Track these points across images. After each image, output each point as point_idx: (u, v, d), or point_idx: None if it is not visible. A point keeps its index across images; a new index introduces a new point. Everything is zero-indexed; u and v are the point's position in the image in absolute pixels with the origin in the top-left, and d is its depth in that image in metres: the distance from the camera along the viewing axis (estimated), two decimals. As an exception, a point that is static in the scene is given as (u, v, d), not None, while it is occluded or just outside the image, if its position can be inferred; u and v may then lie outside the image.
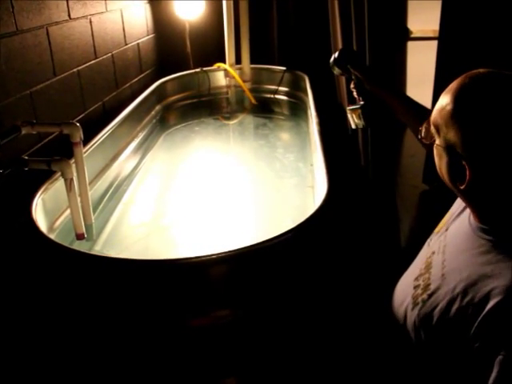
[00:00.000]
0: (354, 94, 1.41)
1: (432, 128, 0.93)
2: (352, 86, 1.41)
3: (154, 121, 2.95)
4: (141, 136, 2.65)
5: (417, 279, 1.01)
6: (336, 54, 1.40)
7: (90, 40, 2.30)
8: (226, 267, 1.25)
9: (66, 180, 1.53)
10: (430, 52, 2.37)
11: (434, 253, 1.02)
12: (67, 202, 1.59)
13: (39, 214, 1.50)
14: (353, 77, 1.39)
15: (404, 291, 1.06)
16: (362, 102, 1.39)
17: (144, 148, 2.63)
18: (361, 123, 1.41)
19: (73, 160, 1.64)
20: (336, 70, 1.43)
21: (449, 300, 0.85)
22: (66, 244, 1.32)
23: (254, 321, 1.27)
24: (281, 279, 1.30)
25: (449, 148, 0.87)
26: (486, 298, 0.79)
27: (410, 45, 3.22)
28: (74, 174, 1.58)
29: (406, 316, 1.00)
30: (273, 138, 2.84)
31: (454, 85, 0.87)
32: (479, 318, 0.79)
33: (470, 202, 0.91)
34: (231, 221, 1.97)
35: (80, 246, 1.67)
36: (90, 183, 1.95)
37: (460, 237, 0.96)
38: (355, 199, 1.89)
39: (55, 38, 1.97)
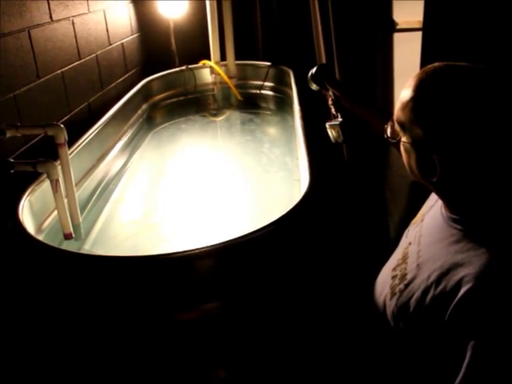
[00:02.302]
0: (333, 110, 1.40)
1: (396, 126, 0.93)
2: (330, 102, 1.40)
3: (141, 120, 2.96)
4: (128, 135, 2.67)
5: (394, 269, 1.04)
6: (313, 70, 1.38)
7: (73, 41, 2.32)
8: (211, 261, 1.28)
9: (51, 181, 1.55)
10: (417, 43, 2.40)
11: (410, 243, 1.04)
12: (54, 203, 1.61)
13: (26, 215, 1.52)
14: (330, 93, 1.38)
15: (383, 282, 1.09)
16: (340, 119, 1.38)
17: (131, 147, 2.65)
18: (340, 138, 1.42)
19: (59, 161, 1.66)
20: (313, 86, 1.42)
21: (424, 289, 0.88)
22: (53, 244, 1.33)
23: (242, 313, 1.30)
24: (266, 271, 1.33)
25: (416, 144, 0.88)
26: (458, 285, 0.81)
27: (397, 36, 3.26)
28: (60, 174, 1.59)
29: (385, 306, 1.02)
30: (259, 133, 2.87)
31: (412, 81, 0.88)
32: (451, 306, 0.81)
33: (441, 194, 0.93)
34: (220, 216, 2.00)
35: (68, 246, 1.69)
36: (77, 183, 1.98)
37: (434, 227, 0.98)
38: (340, 191, 1.92)
39: (37, 40, 1.98)
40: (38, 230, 1.62)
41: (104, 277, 1.26)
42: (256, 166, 2.43)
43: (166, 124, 3.09)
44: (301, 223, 1.39)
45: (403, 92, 0.90)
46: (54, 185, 1.56)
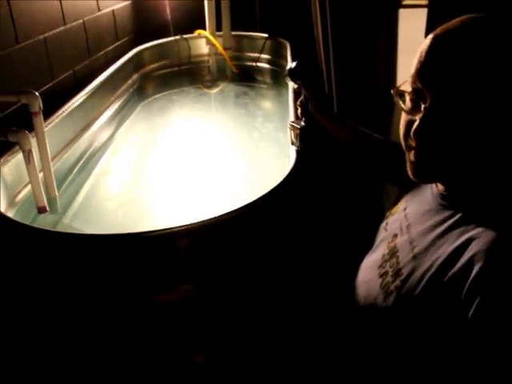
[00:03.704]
0: (299, 111, 1.31)
1: (413, 95, 0.81)
2: (298, 103, 1.30)
3: (131, 90, 2.86)
4: (116, 106, 2.58)
5: (382, 266, 0.94)
6: (293, 65, 1.27)
7: (57, 5, 2.20)
8: (189, 240, 1.21)
9: (23, 152, 1.47)
10: (422, 20, 2.29)
11: (396, 235, 0.95)
12: (28, 175, 1.54)
13: (-3, 187, 1.45)
14: (302, 94, 1.28)
15: (368, 282, 0.98)
16: (303, 123, 1.29)
17: (119, 119, 2.56)
18: (297, 144, 1.33)
19: (33, 133, 1.58)
20: (289, 81, 1.32)
21: (428, 280, 0.79)
22: (21, 220, 1.26)
23: (221, 295, 1.24)
24: (249, 251, 1.26)
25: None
26: (469, 266, 0.72)
27: (402, 12, 3.13)
28: (34, 145, 1.51)
29: (375, 307, 0.92)
30: (253, 107, 2.77)
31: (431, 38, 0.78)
32: (465, 289, 0.72)
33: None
34: (207, 192, 1.92)
35: (44, 220, 1.63)
36: (57, 154, 1.90)
37: (424, 213, 0.90)
38: (332, 168, 1.83)
39: (17, 2, 1.87)
40: (11, 203, 1.55)
41: (75, 256, 1.19)
42: (248, 141, 2.34)
43: (158, 95, 2.99)
44: (285, 201, 1.32)
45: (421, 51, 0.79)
46: (27, 155, 1.48)
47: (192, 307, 1.24)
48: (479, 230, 0.75)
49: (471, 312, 0.70)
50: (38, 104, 1.55)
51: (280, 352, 1.32)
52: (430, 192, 0.91)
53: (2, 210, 1.46)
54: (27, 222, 1.59)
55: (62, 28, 2.25)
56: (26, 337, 1.27)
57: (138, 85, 2.96)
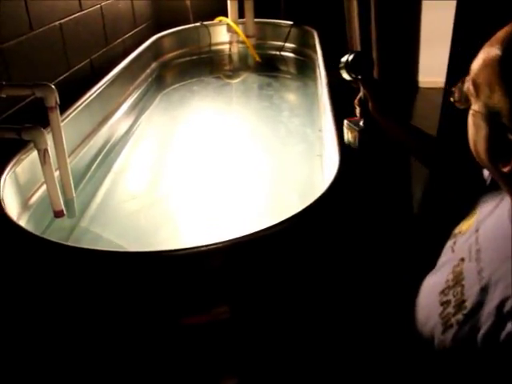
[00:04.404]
0: (357, 111, 1.15)
1: (470, 88, 0.72)
2: (356, 101, 1.14)
3: (150, 79, 2.73)
4: (134, 97, 2.45)
5: (444, 293, 0.82)
6: (350, 57, 1.11)
7: (73, -11, 2.06)
8: (221, 259, 1.07)
9: (39, 151, 1.35)
10: (446, 10, 2.13)
11: (463, 260, 0.82)
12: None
13: (10, 189, 1.33)
14: (361, 91, 1.12)
15: (428, 306, 0.88)
16: (362, 124, 1.13)
17: (138, 110, 2.42)
18: (355, 145, 1.18)
19: (49, 129, 1.45)
20: (344, 75, 1.16)
21: (494, 323, 0.67)
22: (36, 232, 1.14)
23: (254, 317, 1.11)
24: (285, 270, 1.13)
25: (491, 116, 0.68)
26: None
27: (425, 3, 2.97)
28: (50, 143, 1.39)
29: (433, 337, 0.82)
30: (278, 99, 2.61)
31: (502, 33, 0.67)
32: None
33: None
34: (232, 193, 1.79)
35: (61, 224, 1.51)
36: (74, 150, 1.78)
37: (499, 239, 0.76)
38: (369, 172, 1.68)
39: (31, -14, 1.73)
40: (25, 206, 1.43)
41: (99, 274, 1.07)
42: (273, 138, 2.19)
43: (177, 85, 2.84)
44: (326, 216, 1.18)
45: (487, 46, 0.68)
46: (42, 155, 1.35)
47: (224, 329, 1.12)
48: None
49: None
50: (54, 98, 1.41)
51: (312, 376, 1.20)
52: (508, 215, 0.77)
53: (15, 214, 1.35)
54: (42, 227, 1.48)
55: (78, 14, 2.10)
56: (46, 362, 1.15)
57: (156, 74, 2.82)
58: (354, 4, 1.97)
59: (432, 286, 0.91)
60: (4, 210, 1.17)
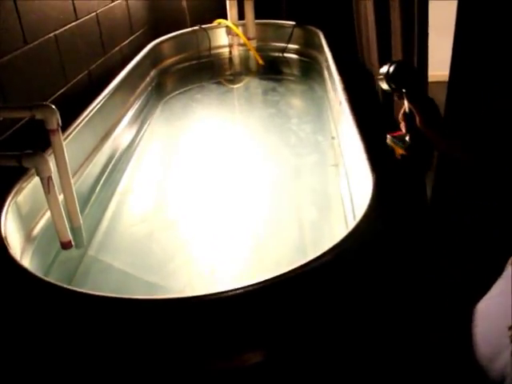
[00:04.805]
0: (402, 126, 1.04)
1: None
2: (401, 116, 1.03)
3: (149, 88, 2.60)
4: (135, 108, 2.32)
5: None
6: (391, 68, 1.00)
7: (68, -3, 1.94)
8: (252, 302, 0.96)
9: (42, 179, 1.22)
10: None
11: None
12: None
13: (12, 223, 1.21)
14: (405, 105, 1.01)
15: (494, 340, 0.79)
16: (408, 141, 1.01)
17: (139, 122, 2.31)
18: (402, 160, 1.06)
19: (51, 150, 1.33)
20: (384, 86, 1.04)
21: None
22: (42, 276, 1.02)
23: (290, 364, 0.99)
24: (319, 311, 1.02)
25: None
26: None
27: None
28: (53, 169, 1.26)
29: (503, 377, 0.73)
30: (284, 105, 2.50)
31: None
32: None
33: None
34: (247, 211, 1.68)
35: (68, 254, 1.38)
36: (76, 171, 1.66)
37: None
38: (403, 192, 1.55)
39: (23, -4, 1.61)
40: (29, 238, 1.31)
41: (122, 320, 0.95)
42: (285, 147, 2.08)
43: (177, 92, 2.72)
44: (366, 246, 1.06)
45: None
46: (46, 184, 1.23)
47: (258, 376, 1.01)
48: None
49: None
50: (55, 120, 1.29)
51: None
52: None
53: (19, 249, 1.24)
54: (49, 259, 1.37)
55: (74, 23, 1.98)
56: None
57: (156, 82, 2.69)
58: (370, 7, 1.84)
59: (495, 316, 0.83)
60: (8, 250, 1.05)
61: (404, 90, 0.98)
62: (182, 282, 1.40)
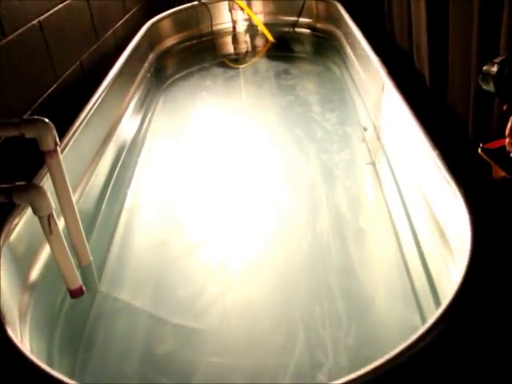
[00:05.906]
0: (508, 143, 0.85)
1: None
2: (508, 131, 0.84)
3: (149, 75, 2.31)
4: (134, 100, 2.04)
5: None
6: (494, 69, 0.81)
7: (51, -25, 1.62)
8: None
9: (41, 219, 0.96)
10: None
11: None
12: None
13: (7, 276, 0.95)
14: None
15: None
16: None
17: (140, 117, 2.03)
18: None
19: (46, 169, 1.07)
20: (490, 86, 0.82)
21: None
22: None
23: None
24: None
25: None
26: None
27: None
28: (53, 204, 1.00)
29: None
30: (302, 90, 2.22)
31: None
32: None
33: None
34: (276, 223, 1.44)
35: (79, 302, 1.13)
36: (76, 188, 1.39)
37: None
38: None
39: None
40: (24, 285, 1.05)
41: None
42: (310, 142, 1.81)
43: (178, 76, 2.42)
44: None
45: None
46: (47, 223, 0.96)
47: None
48: None
49: None
50: (52, 138, 1.02)
51: None
52: None
53: (16, 309, 0.98)
54: (55, 308, 1.11)
55: (60, 5, 1.67)
56: None
57: (155, 67, 2.39)
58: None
59: None
60: (5, 327, 0.80)
61: None
62: (216, 319, 1.15)
